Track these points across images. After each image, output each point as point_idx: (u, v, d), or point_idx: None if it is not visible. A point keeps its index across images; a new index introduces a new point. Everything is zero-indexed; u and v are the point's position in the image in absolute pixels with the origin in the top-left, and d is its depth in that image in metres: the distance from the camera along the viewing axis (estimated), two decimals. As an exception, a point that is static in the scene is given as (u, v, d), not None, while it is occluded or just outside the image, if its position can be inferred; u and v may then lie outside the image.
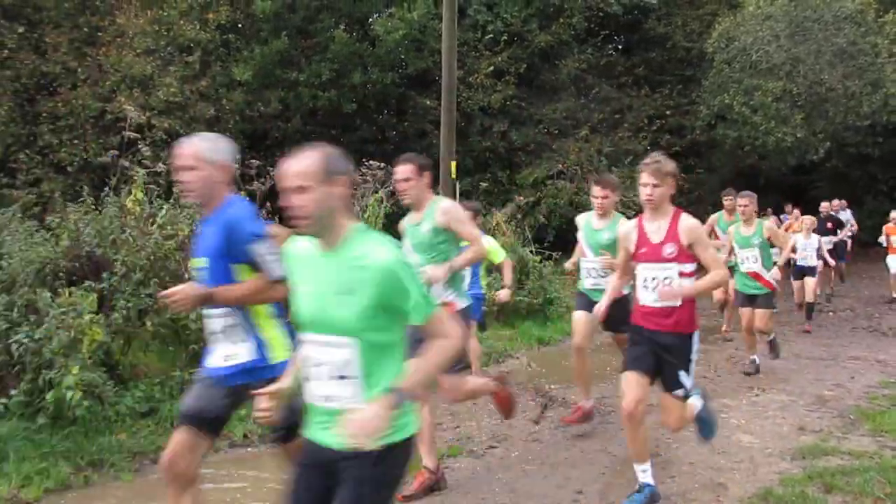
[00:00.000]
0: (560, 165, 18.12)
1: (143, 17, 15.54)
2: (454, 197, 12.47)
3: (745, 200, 7.51)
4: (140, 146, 7.70)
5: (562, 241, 16.33)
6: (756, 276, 7.43)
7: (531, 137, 18.94)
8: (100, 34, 15.72)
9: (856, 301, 12.82)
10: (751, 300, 7.50)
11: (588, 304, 5.44)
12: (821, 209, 13.24)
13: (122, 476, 4.79)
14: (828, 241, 11.99)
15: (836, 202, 16.03)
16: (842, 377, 7.28)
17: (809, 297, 10.50)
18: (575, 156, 18.10)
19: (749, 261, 7.46)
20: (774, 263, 7.78)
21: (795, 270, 10.79)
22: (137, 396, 5.64)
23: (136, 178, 6.64)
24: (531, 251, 11.19)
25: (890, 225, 12.78)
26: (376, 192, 9.09)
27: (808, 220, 11.06)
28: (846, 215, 16.09)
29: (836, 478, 4.37)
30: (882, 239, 12.98)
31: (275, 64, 16.27)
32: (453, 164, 12.43)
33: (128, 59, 15.12)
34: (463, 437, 5.58)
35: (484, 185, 16.56)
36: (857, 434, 5.37)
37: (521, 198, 15.26)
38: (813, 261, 10.62)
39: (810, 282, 10.53)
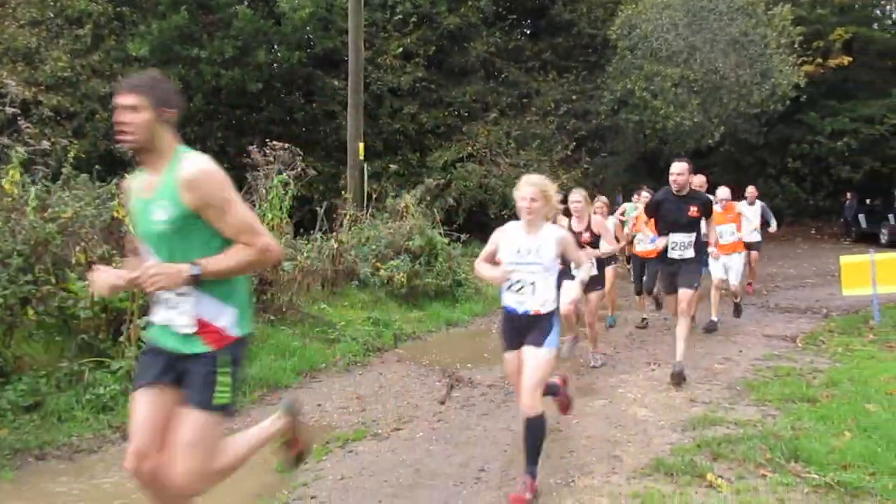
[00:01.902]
0: (469, 148, 18.26)
1: (27, -15, 14.56)
2: (362, 179, 12.36)
3: None
4: (21, 123, 7.20)
5: (471, 223, 16.50)
6: None
7: (441, 120, 18.99)
8: (-23, 2, 14.63)
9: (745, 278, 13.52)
10: None
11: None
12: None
13: (2, 474, 4.50)
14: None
15: (750, 190, 11.54)
16: (731, 351, 7.68)
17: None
18: (484, 138, 18.30)
19: None
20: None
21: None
22: (20, 390, 5.30)
23: (14, 157, 6.19)
24: (440, 233, 11.24)
25: (717, 209, 8.57)
26: (280, 174, 8.87)
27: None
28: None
29: (723, 446, 4.60)
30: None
31: (174, 39, 15.59)
32: (361, 145, 12.31)
33: (10, 31, 14.17)
34: (368, 421, 5.55)
35: (394, 167, 16.50)
36: (743, 404, 5.68)
37: (432, 180, 15.28)
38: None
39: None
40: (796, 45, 18.64)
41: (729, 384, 6.29)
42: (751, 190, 11.75)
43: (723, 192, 9.35)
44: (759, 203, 11.63)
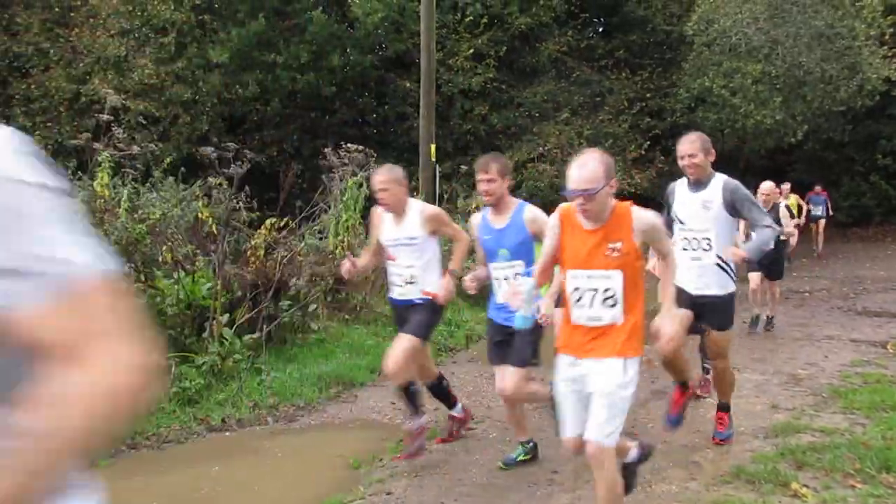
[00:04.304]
0: (541, 148, 18.15)
1: (117, -3, 15.32)
2: (434, 180, 12.46)
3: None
4: (114, 129, 7.60)
5: (542, 223, 16.38)
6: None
7: (511, 120, 18.94)
8: (72, 14, 15.47)
9: (831, 282, 12.98)
10: None
11: None
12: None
13: (98, 462, 4.75)
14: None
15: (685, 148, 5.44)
16: (816, 356, 7.37)
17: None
18: (555, 139, 18.14)
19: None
20: None
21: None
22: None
23: (103, 161, 6.53)
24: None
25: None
26: (355, 175, 9.04)
27: None
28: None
29: (808, 454, 4.42)
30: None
31: (252, 46, 16.09)
32: (433, 146, 12.41)
33: (101, 41, 14.92)
34: (441, 420, 5.59)
35: (464, 167, 16.54)
36: (829, 412, 5.45)
37: (502, 181, 15.30)
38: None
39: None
40: (887, 37, 17.71)
41: (814, 391, 6.05)
42: (685, 149, 4.83)
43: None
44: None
